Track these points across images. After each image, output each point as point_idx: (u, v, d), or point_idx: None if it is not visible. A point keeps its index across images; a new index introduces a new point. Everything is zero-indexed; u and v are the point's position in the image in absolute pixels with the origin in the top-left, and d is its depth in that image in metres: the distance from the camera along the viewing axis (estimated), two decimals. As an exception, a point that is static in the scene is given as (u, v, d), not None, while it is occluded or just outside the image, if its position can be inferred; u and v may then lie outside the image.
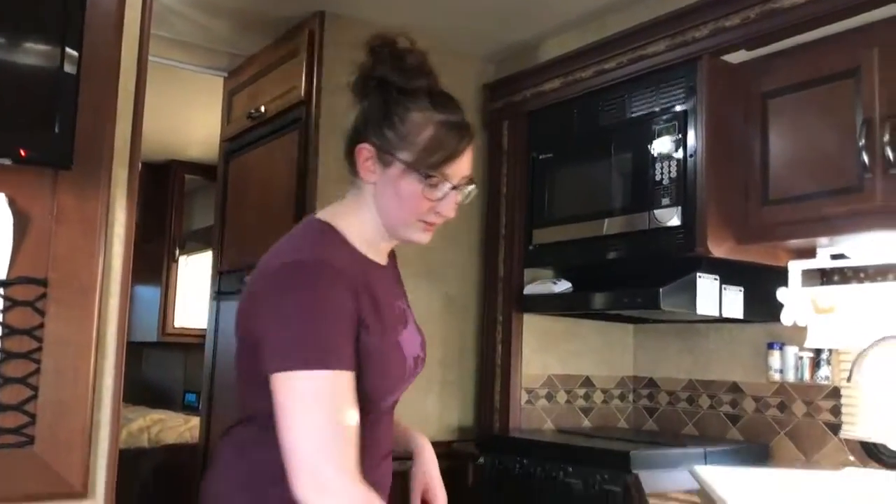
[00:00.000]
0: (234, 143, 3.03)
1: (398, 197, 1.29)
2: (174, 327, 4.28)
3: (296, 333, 1.17)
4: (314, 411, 1.15)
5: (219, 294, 3.06)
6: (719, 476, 1.86)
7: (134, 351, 4.38)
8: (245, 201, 2.98)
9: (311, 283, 1.20)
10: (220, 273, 3.07)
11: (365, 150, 1.29)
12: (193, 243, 4.39)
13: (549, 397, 2.64)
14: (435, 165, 1.28)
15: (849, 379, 1.93)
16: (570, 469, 2.18)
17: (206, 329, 3.16)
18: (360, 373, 1.20)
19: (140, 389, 4.29)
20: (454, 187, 1.30)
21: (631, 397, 2.79)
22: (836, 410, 2.22)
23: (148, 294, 4.41)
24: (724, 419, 2.49)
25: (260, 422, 1.24)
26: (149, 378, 4.57)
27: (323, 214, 1.34)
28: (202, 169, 4.28)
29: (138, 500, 3.04)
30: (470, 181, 1.33)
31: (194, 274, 4.40)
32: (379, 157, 1.29)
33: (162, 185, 4.38)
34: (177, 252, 4.35)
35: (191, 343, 4.11)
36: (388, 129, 1.28)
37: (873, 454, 2.12)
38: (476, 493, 2.42)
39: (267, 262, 1.25)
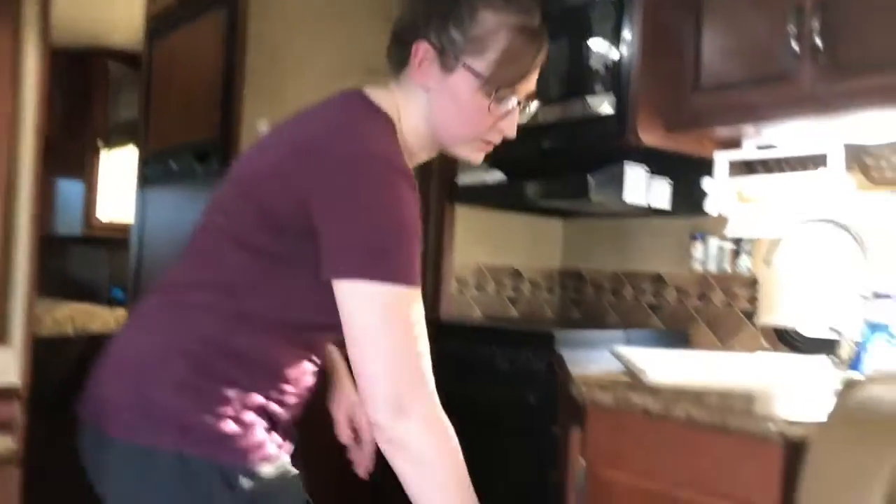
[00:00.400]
0: (159, 23, 2.90)
1: (459, 110, 1.18)
2: (99, 221, 4.16)
3: (385, 243, 1.07)
4: (400, 331, 1.07)
5: (144, 181, 2.97)
6: (638, 354, 1.93)
7: (58, 247, 4.26)
8: (171, 86, 2.87)
9: (397, 186, 1.09)
10: (145, 160, 2.98)
11: (423, 50, 1.16)
12: (119, 136, 4.24)
13: (479, 287, 2.67)
14: (507, 80, 1.15)
15: (766, 263, 2.00)
16: (497, 351, 2.23)
17: (132, 223, 3.08)
18: None
19: (65, 285, 4.19)
20: (519, 103, 1.18)
21: (557, 289, 2.85)
22: (752, 299, 2.31)
23: (71, 189, 4.26)
24: (647, 309, 2.56)
25: (226, 290, 1.16)
26: (74, 274, 4.46)
27: (378, 99, 1.19)
28: (128, 58, 4.10)
29: (62, 388, 2.99)
30: (533, 97, 1.22)
31: (120, 169, 4.27)
32: (441, 61, 1.16)
33: (84, 73, 4.18)
34: (100, 144, 4.20)
35: (116, 238, 4.01)
36: (454, 30, 1.15)
37: (785, 340, 2.22)
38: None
39: (326, 135, 1.13)
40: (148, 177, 2.94)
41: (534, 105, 1.22)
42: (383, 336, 1.07)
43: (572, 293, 2.81)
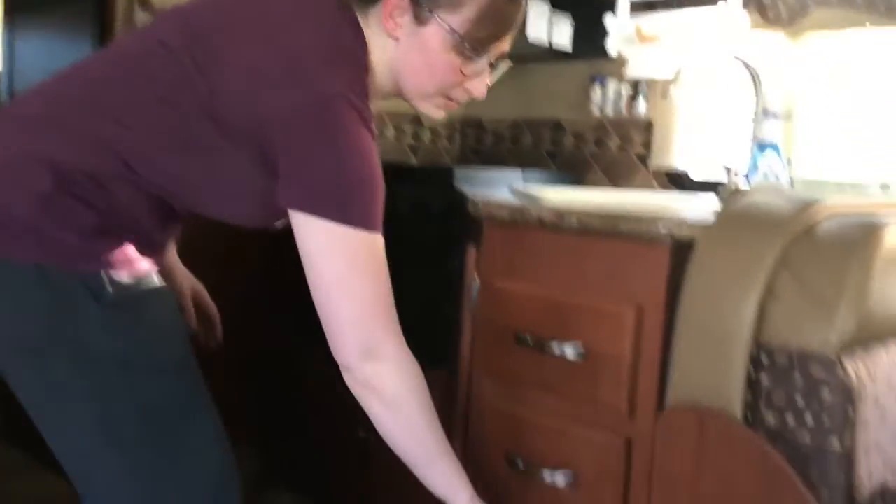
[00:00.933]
0: None
1: (428, 65, 1.14)
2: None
3: (360, 188, 1.06)
4: (370, 276, 1.08)
5: (11, 17, 2.72)
6: (536, 188, 1.93)
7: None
8: None
9: (366, 135, 1.09)
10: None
11: None
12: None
13: (379, 133, 2.60)
14: (482, 40, 1.12)
15: (663, 96, 2.02)
16: (397, 190, 2.19)
17: None
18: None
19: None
20: (490, 64, 1.16)
21: (458, 137, 2.82)
22: (647, 143, 2.34)
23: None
24: (545, 156, 2.57)
25: (126, 137, 1.09)
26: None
27: (365, 27, 1.15)
28: None
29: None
30: (505, 57, 1.18)
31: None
32: (414, 11, 1.11)
33: None
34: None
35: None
36: None
37: (676, 182, 2.28)
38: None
39: (316, 64, 1.08)
40: (14, 8, 2.68)
41: (502, 66, 1.19)
42: (354, 282, 1.08)
43: (472, 142, 2.79)
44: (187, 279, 1.52)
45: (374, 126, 1.13)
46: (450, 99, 1.20)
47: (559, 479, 1.37)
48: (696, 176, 2.26)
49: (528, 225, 1.41)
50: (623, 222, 1.31)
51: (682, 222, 1.27)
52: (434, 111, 1.22)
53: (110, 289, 1.08)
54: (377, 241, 1.10)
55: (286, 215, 1.12)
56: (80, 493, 1.19)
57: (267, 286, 2.27)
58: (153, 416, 1.15)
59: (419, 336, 2.19)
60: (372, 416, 1.16)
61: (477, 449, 1.51)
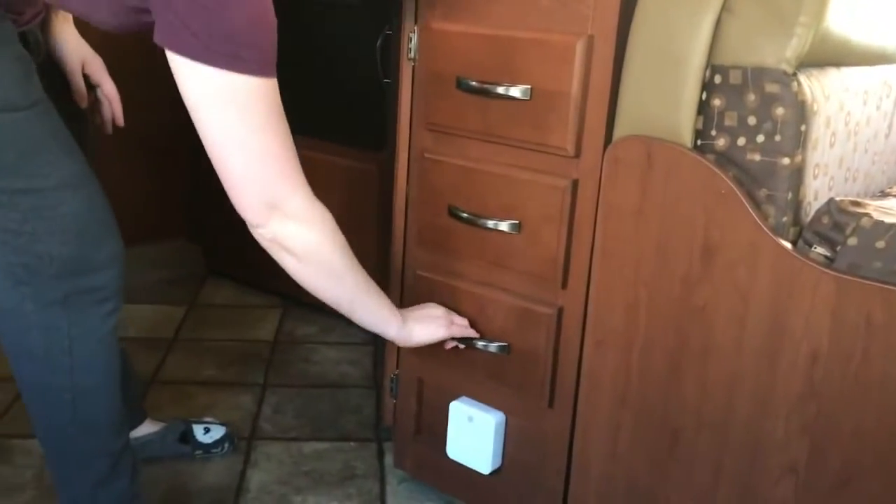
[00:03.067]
0: None
1: None
2: None
3: (251, 31, 0.95)
4: (266, 127, 0.99)
5: None
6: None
7: None
8: None
9: None
10: None
11: None
12: None
13: None
14: None
15: None
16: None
17: None
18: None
19: None
20: None
21: None
22: None
23: None
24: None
25: None
26: None
27: None
28: None
29: None
30: None
31: None
32: None
33: None
34: None
35: None
36: None
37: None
38: None
39: None
40: None
41: None
42: (248, 136, 0.99)
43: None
44: (76, 50, 1.34)
45: None
46: None
47: (503, 226, 1.34)
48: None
49: (469, -45, 1.30)
50: (574, -59, 1.20)
51: (637, -62, 1.18)
52: None
53: None
54: (271, 86, 1.00)
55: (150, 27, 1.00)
56: None
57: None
58: None
59: (363, 114, 2.11)
60: (286, 269, 1.13)
61: (419, 204, 1.47)
